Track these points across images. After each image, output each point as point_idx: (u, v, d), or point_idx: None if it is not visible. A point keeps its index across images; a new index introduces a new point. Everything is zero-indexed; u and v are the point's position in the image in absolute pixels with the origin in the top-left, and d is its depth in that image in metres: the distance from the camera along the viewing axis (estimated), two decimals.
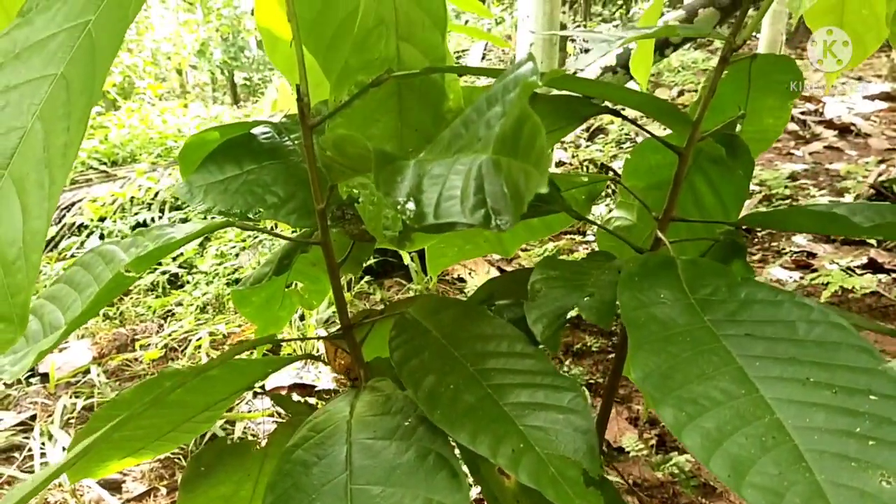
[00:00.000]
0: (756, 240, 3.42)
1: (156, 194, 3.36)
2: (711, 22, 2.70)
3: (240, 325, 2.16)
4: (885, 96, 5.67)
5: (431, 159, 0.50)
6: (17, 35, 0.54)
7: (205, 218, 0.76)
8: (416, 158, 0.52)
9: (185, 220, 3.22)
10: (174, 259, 2.82)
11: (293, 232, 1.37)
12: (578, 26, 6.73)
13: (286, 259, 0.82)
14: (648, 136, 0.82)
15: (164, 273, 2.59)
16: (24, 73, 0.52)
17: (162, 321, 2.29)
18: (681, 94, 5.75)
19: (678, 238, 0.82)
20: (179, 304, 2.36)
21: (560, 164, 4.03)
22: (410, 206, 0.46)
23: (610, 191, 3.69)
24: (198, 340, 2.05)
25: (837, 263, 2.95)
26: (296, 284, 0.93)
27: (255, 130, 0.78)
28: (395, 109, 0.68)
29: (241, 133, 0.78)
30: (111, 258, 0.77)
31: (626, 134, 4.54)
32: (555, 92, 0.74)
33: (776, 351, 0.49)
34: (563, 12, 4.67)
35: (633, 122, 0.77)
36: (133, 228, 3.14)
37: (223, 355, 0.62)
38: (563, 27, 4.59)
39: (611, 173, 3.91)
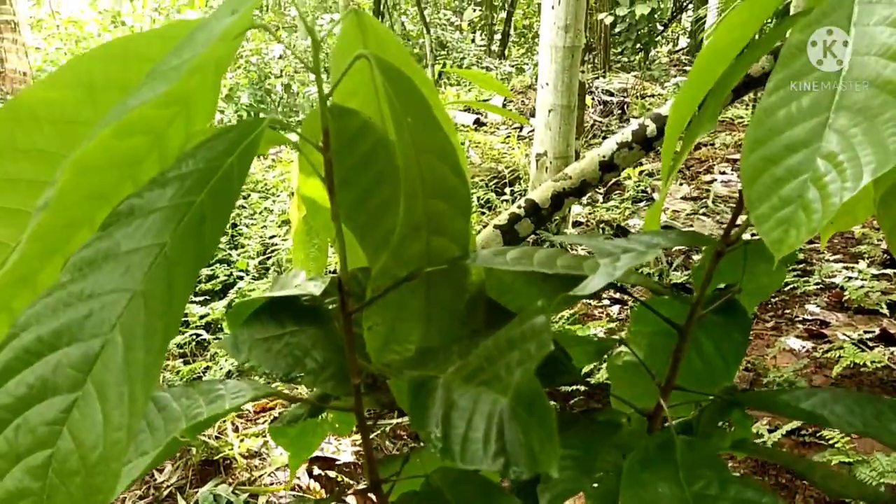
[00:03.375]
0: (770, 306, 3.47)
1: None
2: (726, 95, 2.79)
3: (266, 401, 2.24)
4: None
5: (458, 383, 0.58)
6: (99, 246, 0.57)
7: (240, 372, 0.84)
8: (444, 375, 0.60)
9: (211, 277, 3.33)
10: (202, 318, 2.92)
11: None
12: (597, 77, 6.86)
13: (320, 402, 0.90)
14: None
15: (193, 336, 2.68)
16: (106, 284, 0.55)
17: None
18: (697, 148, 5.82)
19: (683, 396, 0.89)
20: (207, 369, 2.45)
21: (577, 223, 4.11)
22: (439, 435, 0.54)
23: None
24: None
25: (849, 336, 2.98)
26: (327, 415, 1.01)
27: (297, 293, 0.87)
28: (423, 294, 0.76)
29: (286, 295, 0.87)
30: (164, 406, 0.85)
31: (643, 191, 4.61)
32: None
33: None
34: (583, 71, 4.78)
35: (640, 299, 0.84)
36: None
37: None
38: (582, 87, 4.70)
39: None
